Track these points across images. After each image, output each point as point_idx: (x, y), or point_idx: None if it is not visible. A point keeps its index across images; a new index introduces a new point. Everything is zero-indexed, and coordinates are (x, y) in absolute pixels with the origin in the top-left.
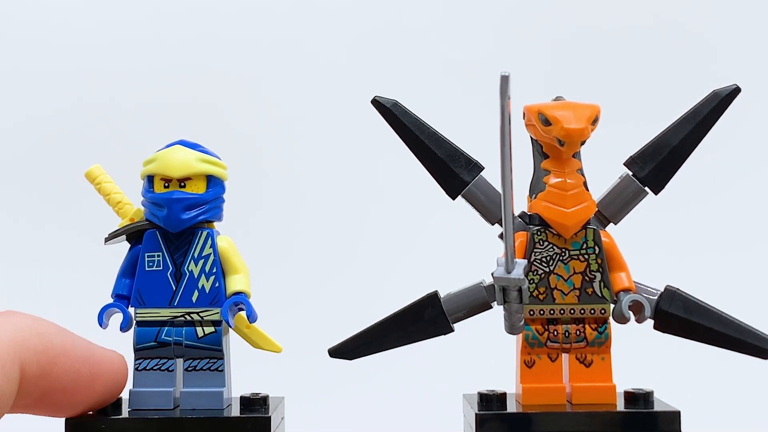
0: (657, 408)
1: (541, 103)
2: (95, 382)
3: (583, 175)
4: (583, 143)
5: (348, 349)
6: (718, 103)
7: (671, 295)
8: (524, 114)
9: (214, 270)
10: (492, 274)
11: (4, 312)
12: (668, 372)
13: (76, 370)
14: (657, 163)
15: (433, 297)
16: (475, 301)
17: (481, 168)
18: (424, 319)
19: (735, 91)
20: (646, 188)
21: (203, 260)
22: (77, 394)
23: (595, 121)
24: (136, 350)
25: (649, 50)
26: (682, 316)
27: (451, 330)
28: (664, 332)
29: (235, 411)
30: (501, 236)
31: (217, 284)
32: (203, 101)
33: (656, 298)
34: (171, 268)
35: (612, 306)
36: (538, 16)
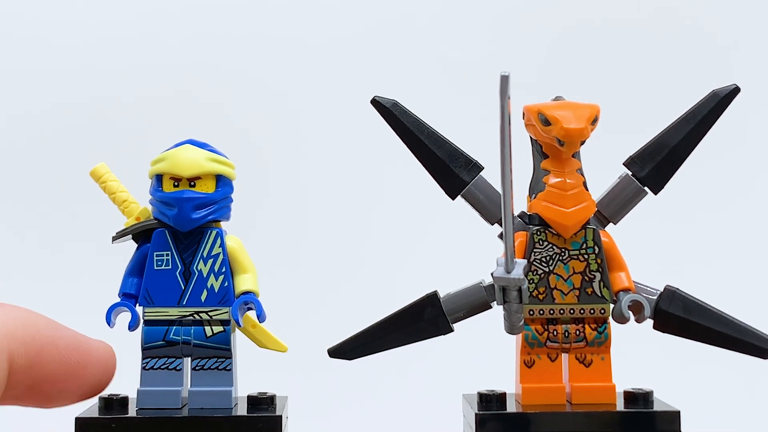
0: (657, 408)
1: (541, 103)
2: (84, 371)
3: (582, 175)
4: (582, 143)
5: (348, 349)
6: (718, 103)
7: (671, 294)
8: (524, 114)
9: (223, 269)
10: (492, 274)
11: None
12: (668, 372)
13: (64, 360)
14: (656, 163)
15: (433, 297)
16: (474, 301)
17: (480, 168)
18: (424, 319)
19: (734, 91)
20: (646, 188)
21: (212, 259)
22: (66, 384)
23: (594, 121)
24: (144, 349)
25: (649, 49)
26: (681, 316)
27: (451, 330)
28: (663, 332)
29: (242, 410)
30: (500, 236)
31: (226, 283)
32: (207, 101)
33: (656, 297)
34: (180, 267)
35: (611, 306)
36: (536, 15)
